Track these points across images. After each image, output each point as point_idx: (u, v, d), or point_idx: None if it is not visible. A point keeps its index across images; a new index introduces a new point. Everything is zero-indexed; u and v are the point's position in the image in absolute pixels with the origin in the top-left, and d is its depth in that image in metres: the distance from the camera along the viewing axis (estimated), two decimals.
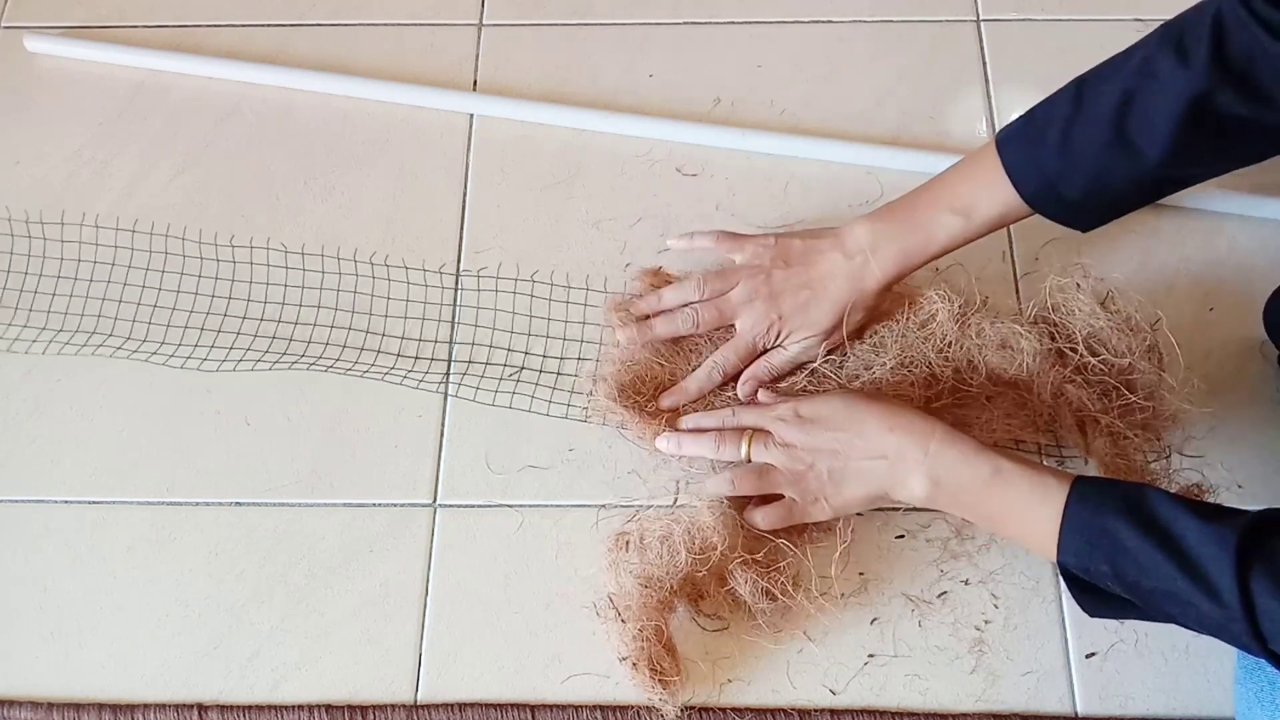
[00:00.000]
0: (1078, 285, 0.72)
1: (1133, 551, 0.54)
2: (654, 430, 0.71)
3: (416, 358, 0.77)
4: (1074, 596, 0.59)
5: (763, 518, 0.67)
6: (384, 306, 0.79)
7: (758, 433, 0.68)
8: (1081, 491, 0.58)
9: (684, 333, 0.74)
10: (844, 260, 0.70)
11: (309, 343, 0.78)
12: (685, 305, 0.74)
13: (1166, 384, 0.71)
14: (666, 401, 0.73)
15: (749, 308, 0.72)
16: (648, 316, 0.75)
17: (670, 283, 0.77)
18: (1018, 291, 0.78)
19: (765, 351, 0.73)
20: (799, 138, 0.84)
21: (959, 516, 0.66)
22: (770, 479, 0.67)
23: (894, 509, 0.71)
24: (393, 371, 0.76)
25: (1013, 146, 0.66)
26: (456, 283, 0.80)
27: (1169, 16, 0.88)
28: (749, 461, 0.69)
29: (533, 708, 0.66)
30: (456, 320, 0.78)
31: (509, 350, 0.77)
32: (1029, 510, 0.59)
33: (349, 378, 0.76)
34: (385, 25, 0.92)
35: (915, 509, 0.71)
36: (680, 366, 0.74)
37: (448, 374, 0.76)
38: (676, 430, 0.71)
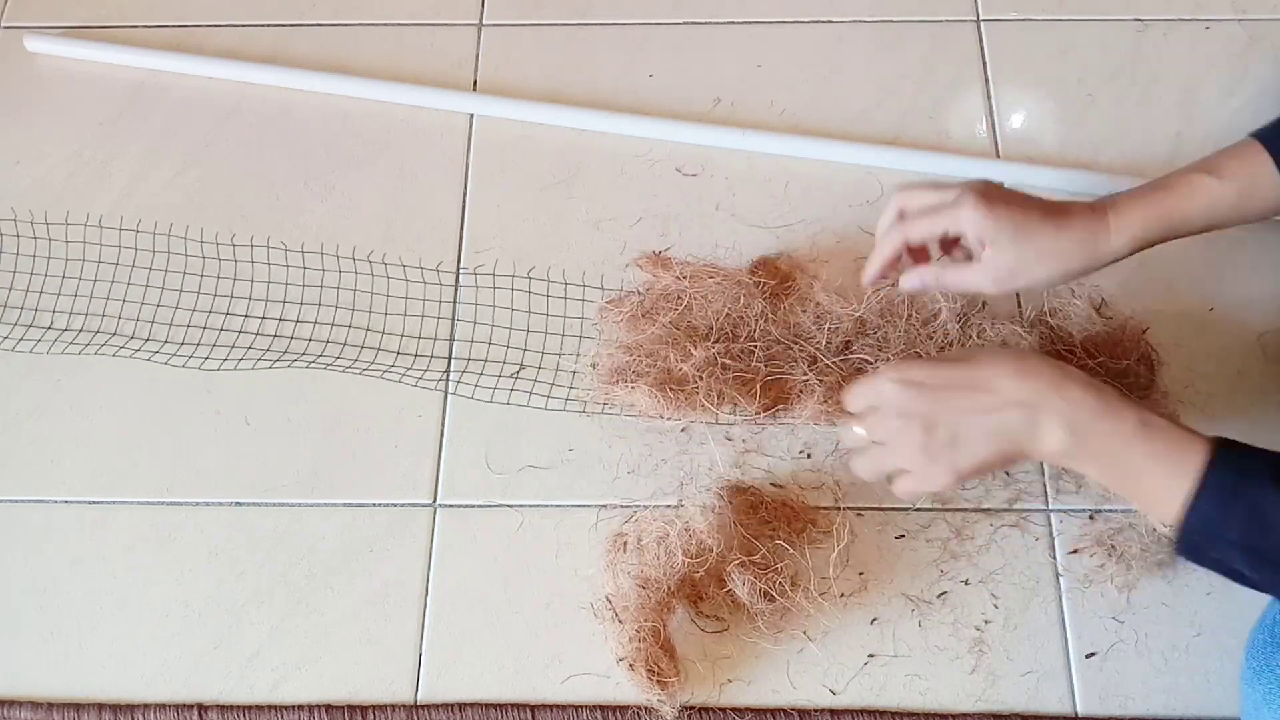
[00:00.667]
0: (1072, 291, 0.73)
1: (1275, 522, 0.51)
2: (652, 405, 0.71)
3: (417, 355, 0.77)
4: (1180, 548, 0.56)
5: (900, 488, 0.62)
6: (384, 304, 0.79)
7: (868, 412, 0.62)
8: (1225, 456, 0.54)
9: None
10: (1091, 215, 0.64)
11: (310, 340, 0.78)
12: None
13: (1159, 389, 0.71)
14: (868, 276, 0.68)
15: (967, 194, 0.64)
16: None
17: (670, 266, 0.77)
18: (1018, 293, 0.78)
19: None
20: (799, 138, 0.84)
21: (1087, 473, 0.60)
22: (891, 455, 0.61)
23: (894, 509, 0.71)
24: (392, 369, 0.76)
25: (1269, 125, 0.64)
26: (456, 280, 0.80)
27: (1169, 17, 0.89)
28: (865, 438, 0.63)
29: (533, 708, 0.66)
30: (456, 318, 0.78)
31: (508, 347, 0.77)
32: (1166, 468, 0.55)
33: (349, 378, 0.76)
34: (385, 25, 0.92)
35: (918, 509, 0.71)
36: (672, 352, 0.73)
37: (448, 371, 0.76)
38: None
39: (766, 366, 0.73)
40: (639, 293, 0.77)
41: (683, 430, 0.74)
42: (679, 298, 0.75)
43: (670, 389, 0.71)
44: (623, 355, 0.73)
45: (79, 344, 0.78)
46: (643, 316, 0.75)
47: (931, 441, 0.59)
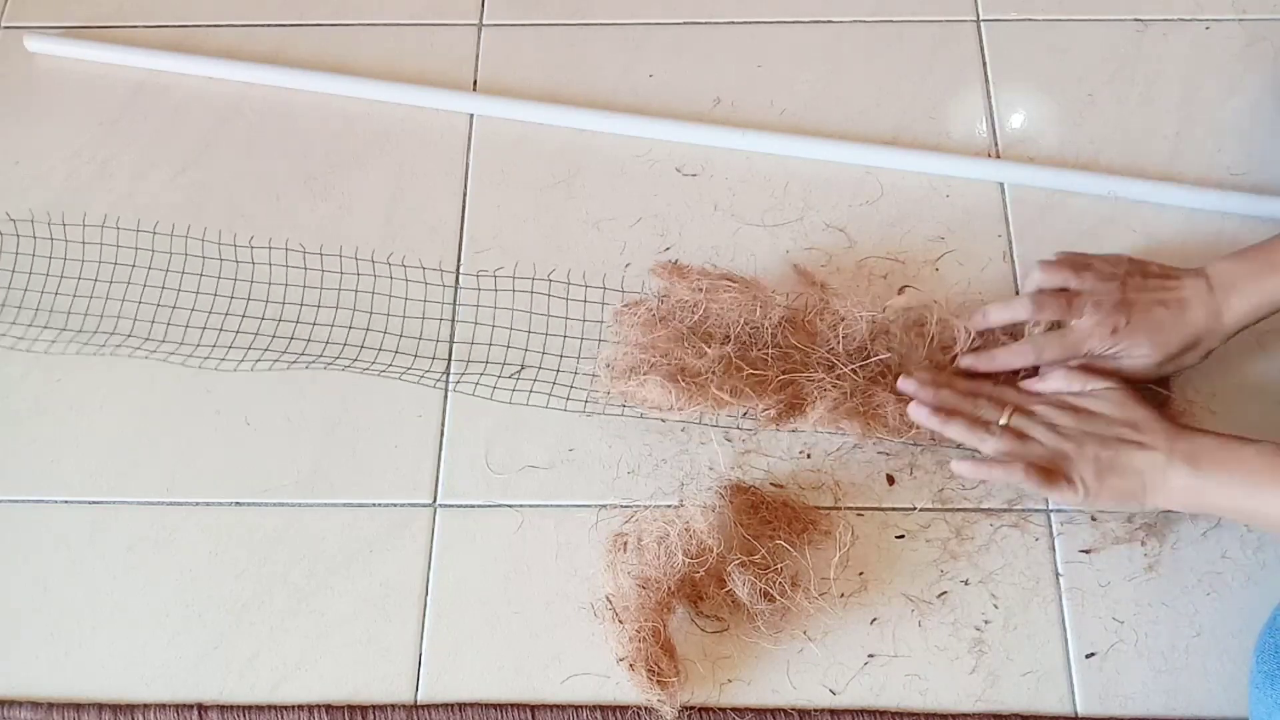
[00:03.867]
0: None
1: None
2: (663, 397, 0.70)
3: (417, 355, 0.77)
4: None
5: (1026, 476, 0.65)
6: (385, 305, 0.79)
7: (1019, 408, 0.68)
8: None
9: (1025, 364, 0.71)
10: (1206, 290, 0.68)
11: (309, 341, 0.78)
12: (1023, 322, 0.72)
13: (1177, 402, 0.72)
14: (966, 361, 0.72)
15: (1095, 308, 0.69)
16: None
17: (687, 275, 0.76)
18: (1017, 294, 0.78)
19: (1088, 357, 0.70)
20: (799, 138, 0.84)
21: (1219, 509, 0.65)
22: (1029, 448, 0.67)
23: (894, 509, 0.71)
24: (392, 368, 0.76)
25: None
26: (456, 280, 0.80)
27: (1169, 17, 0.89)
28: (1006, 428, 0.68)
29: (533, 708, 0.66)
30: (456, 319, 0.78)
31: (509, 347, 0.77)
32: None
33: (349, 378, 0.76)
34: (385, 25, 0.92)
35: (918, 509, 0.71)
36: (686, 351, 0.72)
37: (448, 371, 0.76)
38: (931, 406, 0.68)
39: (781, 369, 0.72)
40: (656, 297, 0.77)
41: (683, 430, 0.74)
42: (695, 306, 0.75)
43: (682, 381, 0.70)
44: (637, 354, 0.72)
45: (78, 342, 0.78)
46: (659, 322, 0.75)
47: (1080, 458, 0.65)
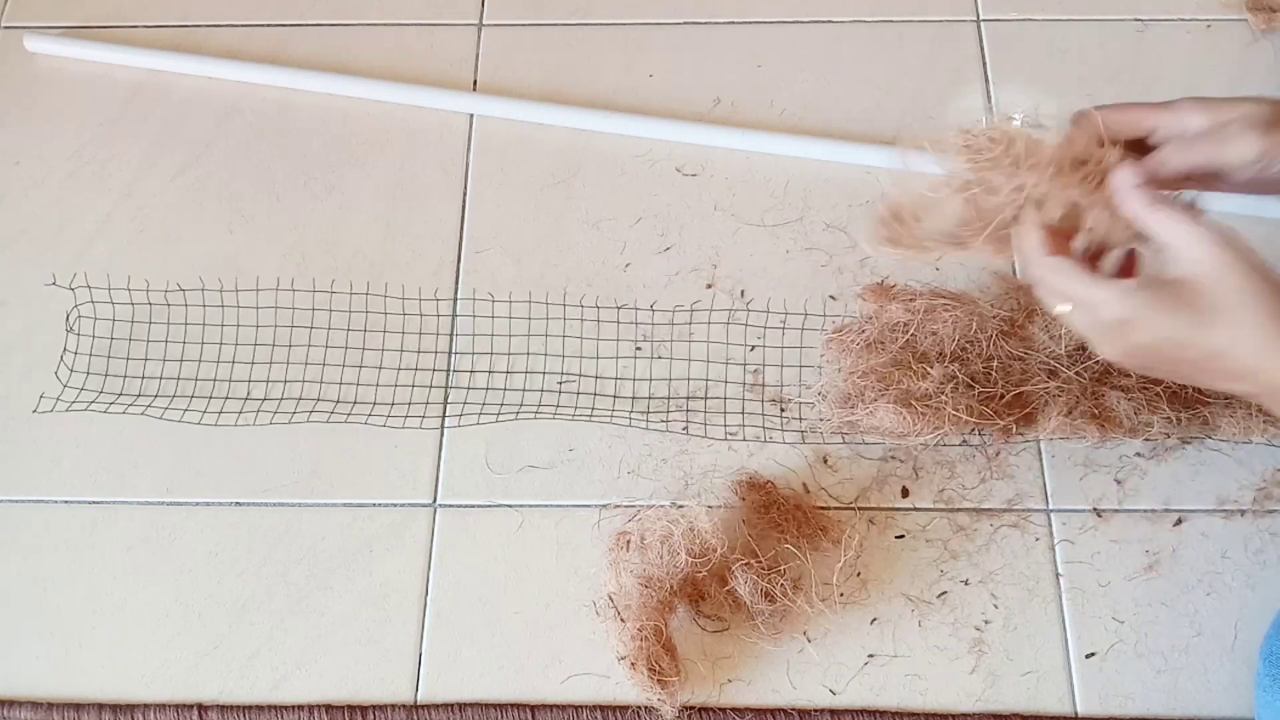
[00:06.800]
0: None
1: None
2: (898, 423, 0.69)
3: (415, 386, 0.77)
4: None
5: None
6: (380, 341, 0.78)
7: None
8: None
9: None
10: None
11: (303, 382, 0.77)
12: None
13: None
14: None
15: None
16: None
17: (896, 295, 0.73)
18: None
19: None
20: (799, 138, 0.84)
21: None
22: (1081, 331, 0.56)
23: (895, 509, 0.71)
24: (394, 409, 0.76)
25: None
26: (455, 291, 0.80)
27: (1169, 17, 0.89)
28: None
29: (533, 708, 0.66)
30: (454, 332, 0.78)
31: (509, 354, 0.77)
32: None
33: (349, 375, 0.76)
34: (385, 25, 0.92)
35: (916, 508, 0.71)
36: (905, 375, 0.70)
37: (446, 398, 0.76)
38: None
39: (1005, 382, 0.71)
40: (867, 321, 0.75)
41: (683, 429, 0.74)
42: (906, 327, 0.73)
43: (914, 403, 0.69)
44: (856, 381, 0.71)
45: (64, 401, 0.76)
46: (867, 348, 0.73)
47: (1130, 362, 0.55)
